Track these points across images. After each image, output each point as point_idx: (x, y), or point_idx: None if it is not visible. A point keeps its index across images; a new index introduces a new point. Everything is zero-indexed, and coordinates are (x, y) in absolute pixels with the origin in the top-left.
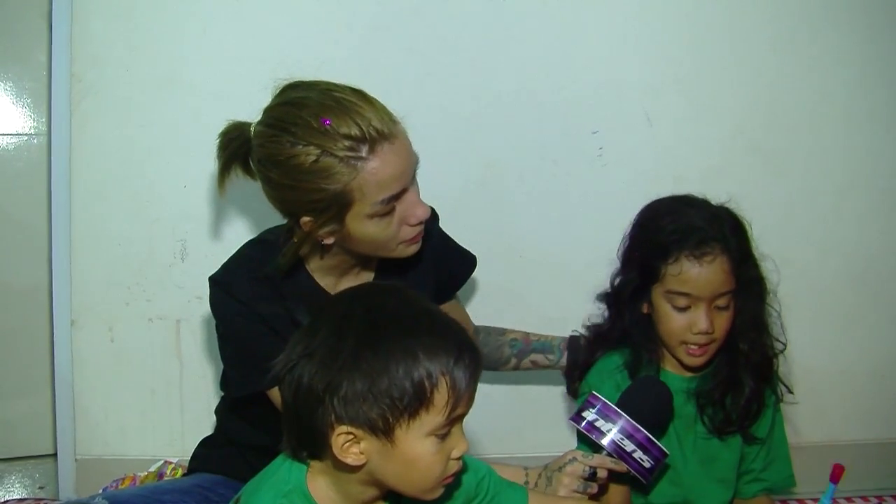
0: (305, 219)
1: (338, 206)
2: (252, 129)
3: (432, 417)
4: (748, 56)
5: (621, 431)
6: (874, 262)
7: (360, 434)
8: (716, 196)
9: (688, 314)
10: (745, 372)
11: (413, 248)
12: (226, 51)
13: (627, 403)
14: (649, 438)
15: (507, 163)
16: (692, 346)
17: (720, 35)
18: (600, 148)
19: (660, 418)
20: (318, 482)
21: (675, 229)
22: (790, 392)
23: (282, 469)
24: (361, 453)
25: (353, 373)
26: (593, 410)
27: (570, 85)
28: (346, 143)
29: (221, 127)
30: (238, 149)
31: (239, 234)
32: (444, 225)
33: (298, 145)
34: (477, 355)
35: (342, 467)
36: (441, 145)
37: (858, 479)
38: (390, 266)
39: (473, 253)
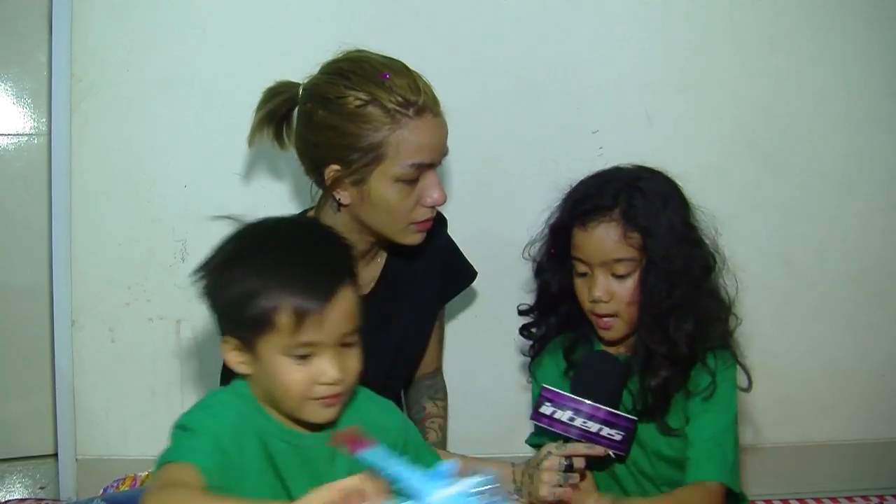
0: (334, 167)
1: (370, 157)
2: (302, 85)
3: (278, 338)
4: (748, 56)
5: (581, 415)
6: (874, 262)
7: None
8: (716, 196)
9: (586, 281)
10: (657, 356)
11: (418, 238)
12: (226, 51)
13: (579, 385)
14: (611, 412)
15: (508, 162)
16: (596, 317)
17: (720, 35)
18: (601, 147)
19: (615, 389)
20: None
21: (572, 197)
22: (748, 385)
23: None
24: (242, 363)
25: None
26: (549, 404)
27: (571, 84)
28: (399, 98)
29: (221, 127)
30: (281, 105)
31: None
32: None
33: (352, 89)
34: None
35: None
36: None
37: (859, 478)
38: (401, 254)
39: (475, 256)
